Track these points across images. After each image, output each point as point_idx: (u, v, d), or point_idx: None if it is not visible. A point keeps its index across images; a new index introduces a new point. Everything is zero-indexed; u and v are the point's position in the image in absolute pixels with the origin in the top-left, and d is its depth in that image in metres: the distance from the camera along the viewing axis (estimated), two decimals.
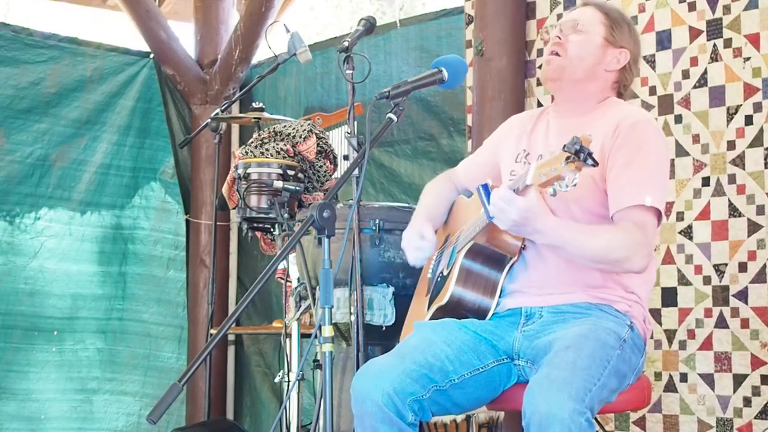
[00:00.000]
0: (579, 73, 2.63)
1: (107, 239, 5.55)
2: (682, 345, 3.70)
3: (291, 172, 3.93)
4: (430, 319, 2.67)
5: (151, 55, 5.67)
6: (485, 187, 2.39)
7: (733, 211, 3.57)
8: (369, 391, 2.39)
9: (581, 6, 2.72)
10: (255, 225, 4.08)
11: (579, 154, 2.10)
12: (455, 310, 2.60)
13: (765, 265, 3.48)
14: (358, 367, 2.87)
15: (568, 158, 2.11)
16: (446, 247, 2.81)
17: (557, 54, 2.63)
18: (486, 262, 2.59)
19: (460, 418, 3.45)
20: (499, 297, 2.60)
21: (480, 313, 2.60)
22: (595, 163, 2.12)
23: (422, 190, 3.01)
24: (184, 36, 5.80)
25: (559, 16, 4.13)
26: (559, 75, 2.63)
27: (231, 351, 5.75)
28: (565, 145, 2.11)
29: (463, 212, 2.83)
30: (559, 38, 2.63)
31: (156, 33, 5.57)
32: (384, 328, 3.25)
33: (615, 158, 2.52)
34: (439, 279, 2.76)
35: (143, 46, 5.68)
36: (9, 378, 5.20)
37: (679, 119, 3.74)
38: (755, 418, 3.48)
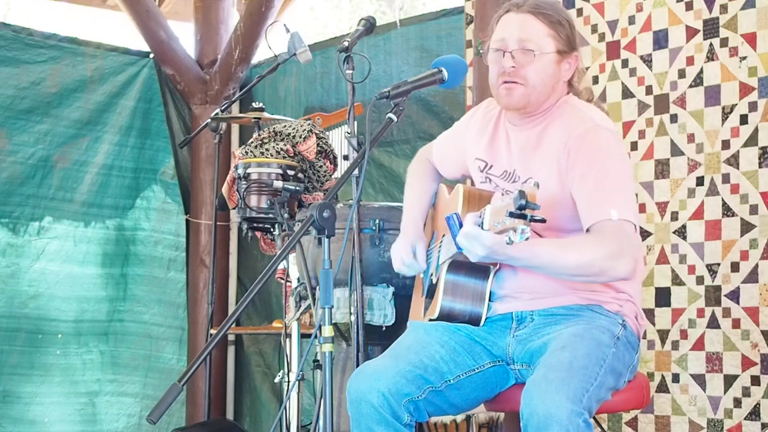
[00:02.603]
0: (543, 97, 2.57)
1: (110, 241, 5.56)
2: (675, 345, 3.71)
3: (291, 172, 3.93)
4: None
5: (151, 55, 5.67)
6: (456, 216, 2.34)
7: (727, 211, 3.59)
8: (364, 393, 2.41)
9: (515, 12, 2.56)
10: (255, 225, 4.09)
11: (524, 213, 2.06)
12: (446, 320, 2.60)
13: (757, 265, 3.49)
14: (357, 367, 2.89)
15: (512, 213, 2.07)
16: (435, 246, 2.81)
17: (516, 82, 2.53)
18: (470, 272, 2.57)
19: (460, 418, 3.46)
20: (490, 301, 2.60)
21: (473, 322, 2.60)
22: (543, 220, 2.09)
23: (408, 173, 2.97)
24: (184, 36, 5.81)
25: None
26: (525, 103, 2.55)
27: (231, 351, 5.76)
28: (512, 199, 2.07)
29: (446, 209, 2.80)
30: (514, 67, 2.52)
31: (156, 33, 5.58)
32: (384, 328, 3.26)
33: (573, 174, 2.47)
34: (430, 282, 2.76)
35: (143, 46, 5.69)
36: (13, 381, 5.20)
37: (674, 119, 3.75)
38: (745, 419, 3.49)
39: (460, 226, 2.30)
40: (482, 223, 2.22)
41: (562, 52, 2.54)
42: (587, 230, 2.43)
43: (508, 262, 2.39)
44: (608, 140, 2.50)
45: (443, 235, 2.70)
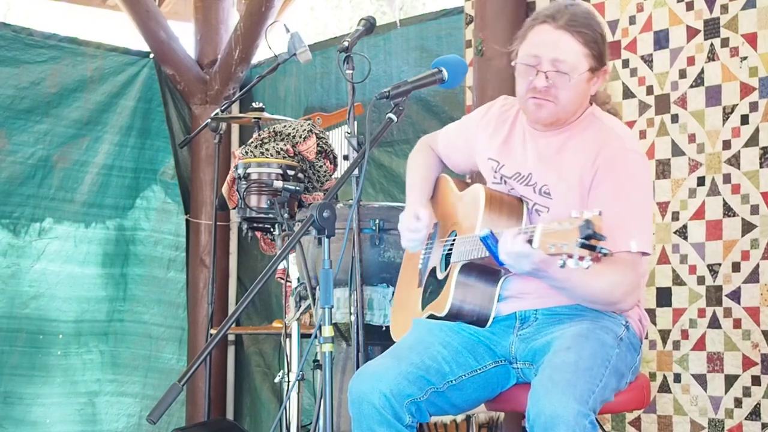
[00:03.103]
0: (571, 114, 2.56)
1: (110, 241, 5.56)
2: (676, 345, 3.71)
3: (291, 172, 3.93)
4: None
5: (151, 55, 5.67)
6: (492, 236, 2.30)
7: (728, 211, 3.59)
8: (366, 394, 2.40)
9: (553, 27, 2.48)
10: (255, 225, 4.09)
11: (593, 244, 2.04)
12: (453, 320, 2.60)
13: (758, 265, 3.49)
14: (358, 367, 2.88)
15: (580, 244, 2.05)
16: (437, 239, 2.79)
17: (547, 100, 2.50)
18: (482, 274, 2.57)
19: (460, 418, 3.46)
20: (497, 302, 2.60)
21: (479, 323, 2.59)
22: (610, 253, 2.07)
23: (410, 160, 2.95)
24: (184, 36, 5.81)
25: None
26: (554, 119, 2.54)
27: (231, 351, 5.76)
28: (579, 227, 2.05)
29: (452, 203, 2.79)
30: (547, 86, 2.49)
31: (156, 33, 5.58)
32: (384, 328, 3.26)
33: (597, 193, 2.47)
34: (432, 277, 2.74)
35: (143, 46, 5.69)
36: (14, 382, 5.20)
37: (675, 119, 3.75)
38: (745, 419, 3.49)
39: (496, 241, 2.28)
40: (531, 241, 2.19)
41: (593, 70, 2.51)
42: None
43: (542, 279, 2.37)
44: (638, 167, 2.50)
45: (452, 232, 2.69)
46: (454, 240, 2.66)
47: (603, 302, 2.45)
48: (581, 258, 2.06)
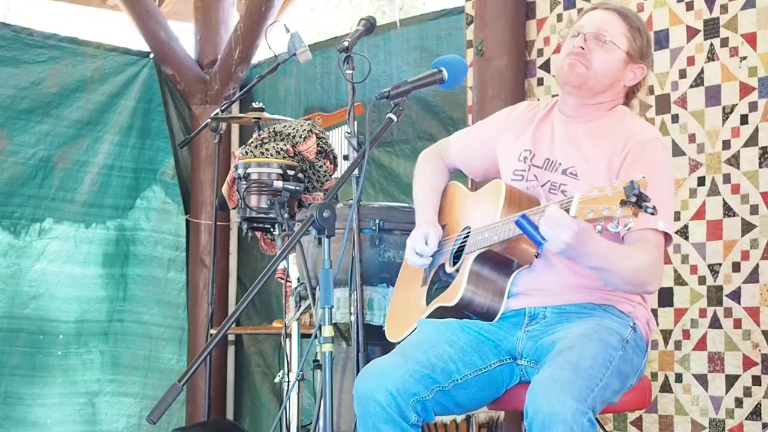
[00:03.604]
0: (600, 86, 2.62)
1: (110, 241, 5.56)
2: (678, 345, 3.71)
3: (291, 172, 3.93)
4: (430, 315, 2.68)
5: (151, 55, 5.67)
6: (525, 218, 2.29)
7: (728, 211, 3.59)
8: (372, 392, 2.40)
9: (602, 9, 2.66)
10: (255, 225, 4.09)
11: (640, 202, 2.07)
12: (461, 311, 2.61)
13: (758, 265, 3.49)
14: (358, 367, 2.88)
15: (624, 202, 2.08)
16: (444, 240, 2.80)
17: (580, 62, 2.60)
18: (496, 266, 2.58)
19: (460, 418, 3.46)
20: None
21: (488, 316, 2.60)
22: (654, 212, 2.10)
23: (417, 171, 2.96)
24: (184, 36, 5.81)
25: (559, 17, 4.13)
26: (582, 83, 2.60)
27: (231, 351, 5.76)
28: (623, 188, 2.08)
29: (465, 203, 2.80)
30: (583, 48, 2.60)
31: (156, 33, 5.58)
32: (384, 328, 3.25)
33: (627, 175, 2.46)
34: (440, 273, 2.75)
35: (143, 46, 5.69)
36: (14, 382, 5.19)
37: (675, 119, 3.75)
38: (746, 419, 3.49)
39: (534, 226, 2.26)
40: (568, 210, 2.20)
41: (631, 56, 2.60)
42: (625, 235, 2.44)
43: (580, 258, 2.35)
44: (666, 156, 2.60)
45: (465, 228, 2.70)
46: (467, 234, 2.66)
47: (637, 282, 2.46)
48: (622, 221, 2.09)
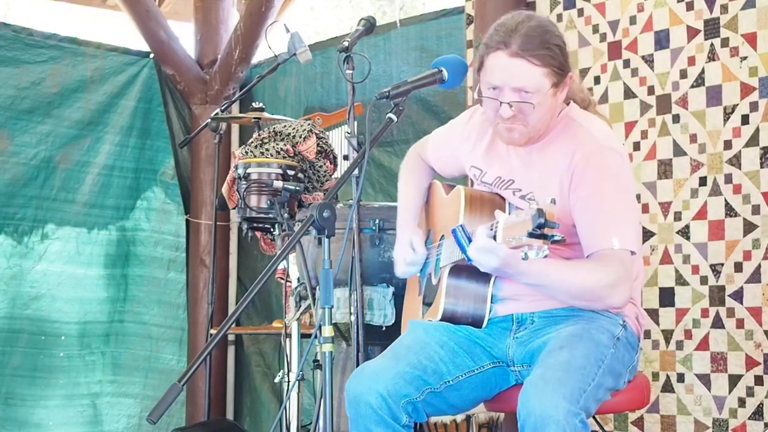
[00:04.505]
0: (544, 129, 2.53)
1: (111, 242, 5.56)
2: (679, 345, 3.71)
3: (291, 172, 3.93)
4: None
5: (151, 55, 5.67)
6: (462, 229, 2.30)
7: (729, 211, 3.58)
8: (363, 394, 2.40)
9: (507, 54, 2.42)
10: (255, 225, 4.08)
11: (544, 233, 2.05)
12: (449, 323, 2.60)
13: (760, 264, 3.49)
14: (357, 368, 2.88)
15: (530, 234, 2.06)
16: (430, 247, 2.79)
17: (517, 124, 2.47)
18: (471, 276, 2.55)
19: (459, 418, 3.45)
20: (491, 303, 2.59)
21: (475, 323, 2.59)
22: (563, 240, 2.08)
23: (400, 172, 2.95)
24: (184, 36, 5.81)
25: (559, 17, 4.13)
26: (527, 140, 2.52)
27: (231, 351, 5.76)
28: (531, 217, 2.06)
29: (444, 209, 2.80)
30: (513, 115, 2.44)
31: (156, 33, 5.57)
32: (384, 328, 3.25)
33: (575, 196, 2.46)
34: (428, 282, 2.74)
35: (143, 46, 5.68)
36: (16, 384, 5.19)
37: (676, 119, 3.75)
38: (749, 418, 3.49)
39: (469, 239, 2.28)
40: (495, 236, 2.21)
41: (557, 83, 2.46)
42: (588, 255, 2.43)
43: (516, 277, 2.37)
44: (613, 162, 2.47)
45: (441, 237, 2.69)
46: (441, 244, 2.66)
47: (589, 298, 2.42)
48: (540, 249, 2.07)
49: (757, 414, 3.47)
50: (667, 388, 3.73)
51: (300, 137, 4.09)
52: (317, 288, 3.32)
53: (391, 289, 3.27)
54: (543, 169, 2.54)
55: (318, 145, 4.12)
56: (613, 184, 2.45)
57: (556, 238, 2.06)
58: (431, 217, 2.87)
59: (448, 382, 2.48)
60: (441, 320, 2.57)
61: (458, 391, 2.50)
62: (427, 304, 2.72)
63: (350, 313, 3.15)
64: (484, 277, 2.55)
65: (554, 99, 2.48)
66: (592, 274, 2.38)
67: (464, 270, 2.54)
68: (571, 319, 2.50)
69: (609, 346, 2.42)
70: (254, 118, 4.32)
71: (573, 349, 2.35)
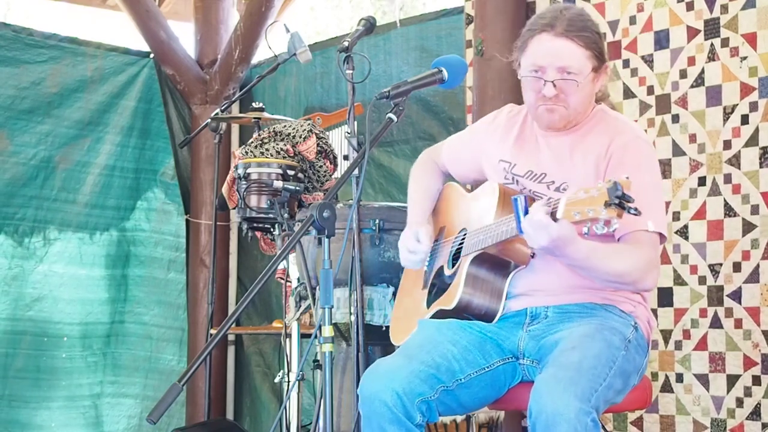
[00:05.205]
0: (582, 114, 2.61)
1: (112, 242, 5.56)
2: (678, 345, 3.71)
3: (291, 172, 3.93)
4: (431, 318, 2.68)
5: (151, 55, 5.67)
6: (524, 199, 2.31)
7: (729, 211, 3.59)
8: (378, 392, 2.40)
9: (552, 35, 2.52)
10: (255, 225, 4.09)
11: (623, 203, 2.08)
12: (460, 314, 2.60)
13: (758, 265, 3.49)
14: (358, 367, 2.88)
15: (608, 203, 2.09)
16: (442, 242, 2.80)
17: (558, 105, 2.54)
18: (493, 268, 2.58)
19: (460, 418, 3.46)
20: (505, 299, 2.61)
21: (487, 318, 2.60)
22: (638, 213, 2.11)
23: (410, 178, 2.97)
24: (184, 36, 5.81)
25: None
26: (566, 122, 2.59)
27: (231, 351, 5.76)
28: (607, 189, 2.09)
29: (461, 205, 2.81)
30: (556, 94, 2.52)
31: (156, 33, 5.58)
32: (384, 328, 3.25)
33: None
34: (439, 276, 2.75)
35: (143, 46, 5.68)
36: (18, 385, 5.19)
37: (676, 119, 3.75)
38: (747, 419, 3.49)
39: (526, 211, 2.29)
40: (555, 212, 2.22)
41: (597, 69, 2.56)
42: (620, 237, 2.47)
43: (562, 257, 2.38)
44: (649, 153, 2.59)
45: (462, 230, 2.70)
46: (464, 236, 2.66)
47: (625, 281, 2.47)
48: (607, 223, 2.10)
49: (755, 414, 3.47)
50: (666, 388, 3.73)
51: (300, 137, 4.09)
52: (317, 288, 3.33)
53: (391, 289, 3.27)
54: (579, 158, 2.59)
55: (318, 145, 4.13)
56: (649, 171, 2.54)
57: (633, 210, 2.09)
58: (445, 215, 2.87)
59: (461, 380, 2.49)
60: (454, 309, 2.58)
61: (469, 389, 2.51)
62: (436, 295, 2.71)
63: (350, 313, 3.15)
64: (503, 271, 2.58)
65: (592, 85, 2.58)
66: (630, 256, 2.44)
67: (486, 261, 2.57)
68: (585, 316, 2.52)
69: (620, 347, 2.44)
70: (254, 118, 4.32)
71: (585, 349, 2.36)
